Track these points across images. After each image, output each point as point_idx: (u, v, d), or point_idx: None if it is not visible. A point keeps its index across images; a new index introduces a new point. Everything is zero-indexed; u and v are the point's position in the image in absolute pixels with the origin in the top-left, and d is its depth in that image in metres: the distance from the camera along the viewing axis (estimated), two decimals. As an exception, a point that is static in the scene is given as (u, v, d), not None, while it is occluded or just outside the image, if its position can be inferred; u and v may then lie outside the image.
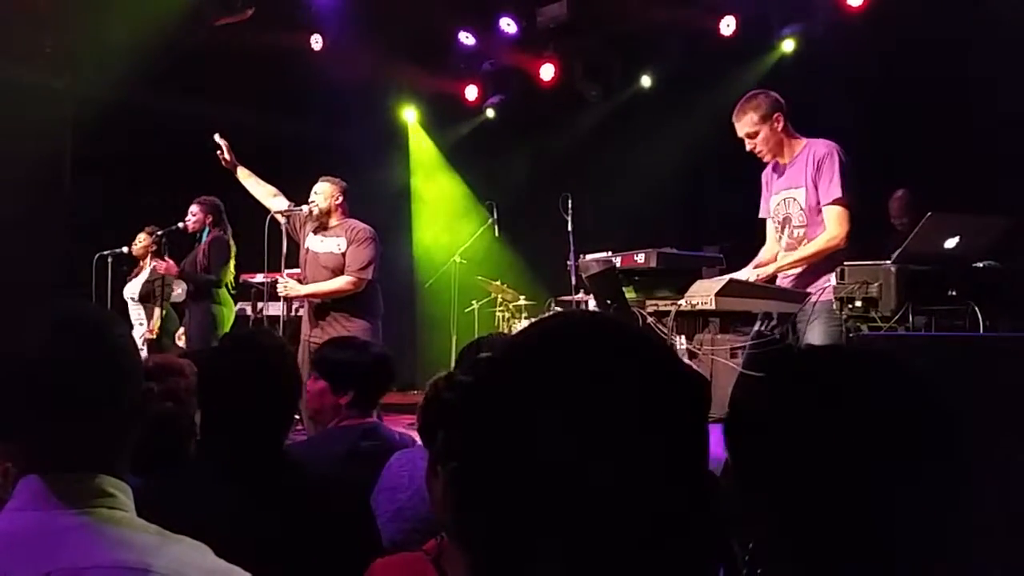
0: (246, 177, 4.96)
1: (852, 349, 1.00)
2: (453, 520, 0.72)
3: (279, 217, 4.79)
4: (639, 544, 0.63)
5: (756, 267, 3.69)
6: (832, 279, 3.06)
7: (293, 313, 5.46)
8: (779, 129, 3.57)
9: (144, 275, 5.93)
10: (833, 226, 3.46)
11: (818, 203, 3.51)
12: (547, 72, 7.94)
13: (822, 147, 3.53)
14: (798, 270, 3.57)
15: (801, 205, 3.58)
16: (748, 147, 3.64)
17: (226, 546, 1.05)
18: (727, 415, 0.92)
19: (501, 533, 0.65)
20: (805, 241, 3.57)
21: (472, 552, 0.68)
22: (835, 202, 3.45)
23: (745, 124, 3.61)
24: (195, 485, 1.58)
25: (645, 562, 0.64)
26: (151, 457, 1.85)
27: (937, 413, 0.86)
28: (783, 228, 3.68)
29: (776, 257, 3.72)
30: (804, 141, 3.61)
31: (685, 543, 0.66)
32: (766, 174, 3.78)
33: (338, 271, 4.59)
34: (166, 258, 5.58)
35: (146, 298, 5.84)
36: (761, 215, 3.83)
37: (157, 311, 5.74)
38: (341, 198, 4.69)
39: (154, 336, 5.60)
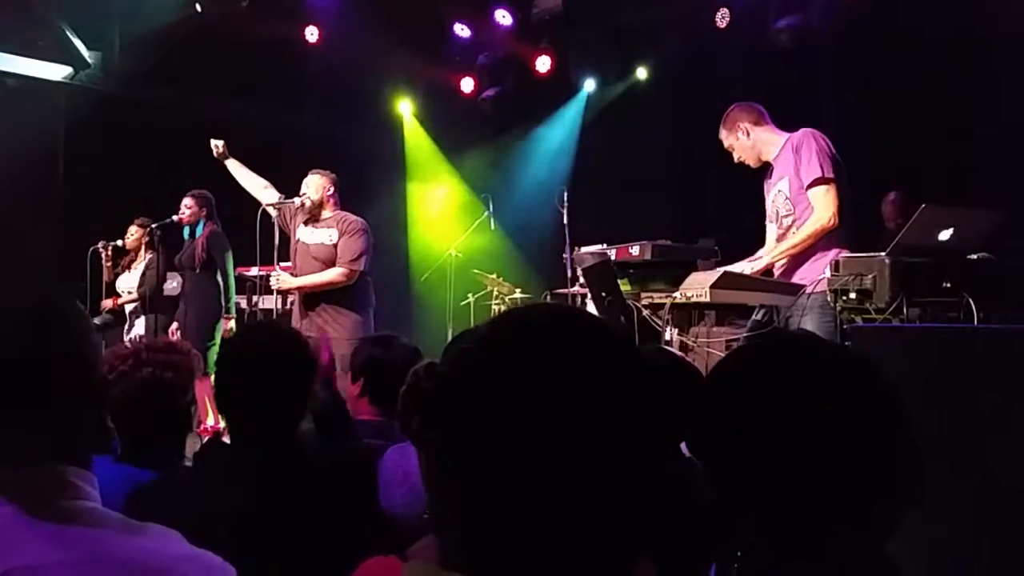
0: (237, 168, 4.94)
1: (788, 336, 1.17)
2: (432, 497, 0.79)
3: (270, 210, 4.77)
4: (600, 523, 0.70)
5: (752, 260, 3.70)
6: (826, 271, 3.06)
7: (288, 306, 5.45)
8: (748, 138, 3.68)
9: (140, 268, 5.91)
10: (820, 207, 3.45)
11: (800, 188, 3.51)
12: (543, 64, 7.92)
13: (798, 135, 3.57)
14: (795, 254, 3.56)
15: (786, 195, 3.59)
16: (736, 159, 3.79)
17: (240, 538, 1.04)
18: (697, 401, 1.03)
19: (476, 509, 0.71)
20: (794, 230, 3.57)
21: (450, 528, 0.73)
22: (817, 182, 3.45)
23: (723, 139, 3.78)
24: (204, 483, 1.57)
25: (606, 543, 0.71)
26: (151, 431, 1.86)
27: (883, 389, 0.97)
28: (775, 220, 3.70)
29: None
30: (785, 135, 3.65)
31: (623, 528, 0.71)
32: (764, 181, 3.81)
33: (329, 262, 4.57)
34: (178, 259, 5.56)
35: (143, 292, 5.81)
36: (767, 220, 3.86)
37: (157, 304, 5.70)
38: (332, 189, 4.68)
39: (173, 333, 5.53)
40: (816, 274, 3.35)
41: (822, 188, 3.44)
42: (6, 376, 0.99)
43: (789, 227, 3.60)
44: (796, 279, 3.49)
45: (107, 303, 5.88)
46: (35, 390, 1.00)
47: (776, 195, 3.67)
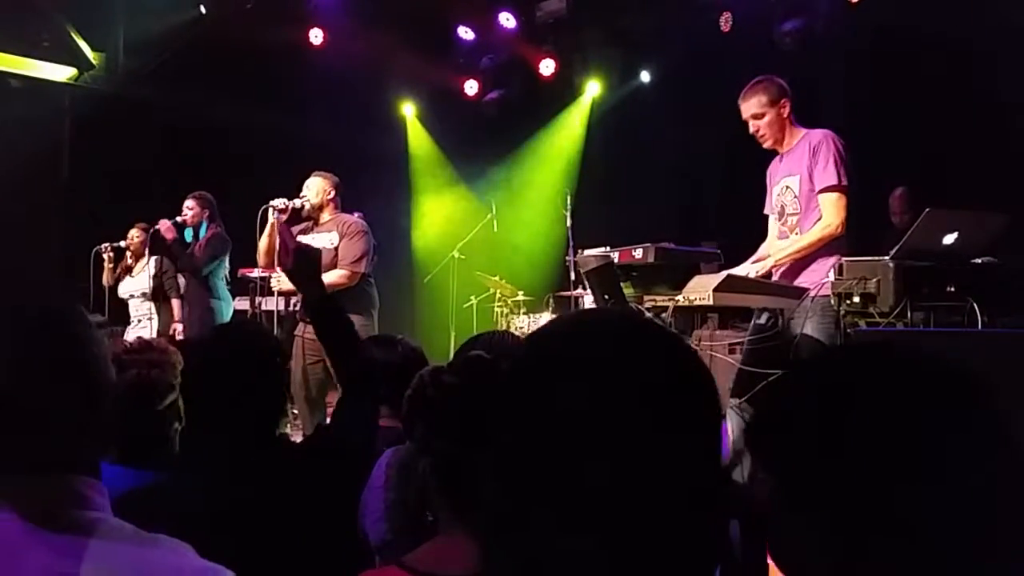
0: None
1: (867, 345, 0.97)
2: (481, 505, 0.76)
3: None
4: (656, 527, 0.67)
5: (755, 262, 3.68)
6: (830, 275, 3.05)
7: (291, 308, 5.45)
8: (784, 115, 3.56)
9: (148, 271, 5.89)
10: (829, 214, 3.42)
11: (811, 190, 3.48)
12: (547, 67, 7.92)
13: (818, 135, 3.51)
14: (799, 258, 3.54)
15: (795, 192, 3.55)
16: (752, 128, 3.62)
17: (218, 539, 1.03)
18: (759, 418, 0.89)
19: (544, 522, 0.68)
20: (797, 230, 3.55)
21: (492, 536, 0.71)
22: (830, 188, 3.41)
23: (752, 105, 3.59)
24: (186, 480, 1.57)
25: (662, 545, 0.68)
26: (142, 431, 1.85)
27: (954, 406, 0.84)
28: (780, 217, 3.66)
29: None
30: (803, 131, 3.60)
31: (698, 533, 0.69)
32: (770, 168, 3.76)
33: (331, 266, 4.57)
34: (161, 221, 5.51)
35: (155, 294, 5.79)
36: (765, 211, 3.80)
37: (175, 303, 5.71)
38: (333, 193, 4.66)
39: (176, 332, 5.54)
40: (818, 278, 3.34)
41: (834, 195, 3.41)
42: (8, 382, 0.96)
43: (794, 227, 3.58)
44: (797, 283, 3.48)
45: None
46: (39, 396, 0.97)
47: (784, 190, 3.62)
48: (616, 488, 0.66)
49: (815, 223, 3.46)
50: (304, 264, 2.03)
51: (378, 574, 0.86)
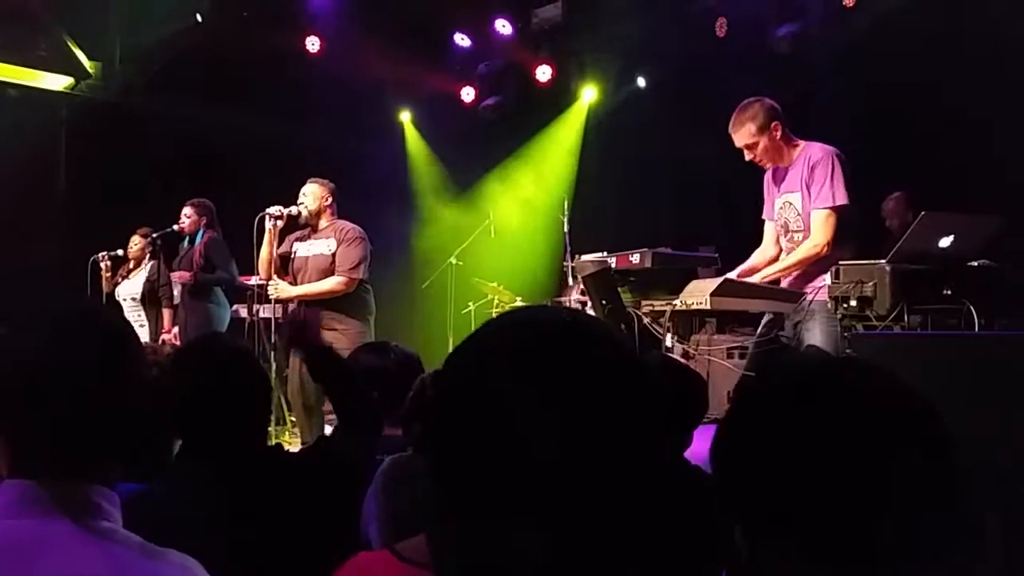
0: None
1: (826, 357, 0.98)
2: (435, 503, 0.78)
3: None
4: (610, 520, 0.70)
5: (740, 275, 3.62)
6: (827, 278, 3.05)
7: (289, 315, 5.45)
8: (778, 137, 3.50)
9: (142, 275, 5.91)
10: (817, 232, 3.39)
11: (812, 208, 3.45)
12: (543, 73, 7.94)
13: (818, 151, 3.46)
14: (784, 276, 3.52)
15: (798, 210, 3.52)
16: (748, 157, 3.57)
17: (212, 550, 1.03)
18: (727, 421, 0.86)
19: (481, 508, 0.71)
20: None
21: (455, 525, 0.73)
22: (823, 207, 3.38)
23: (743, 136, 3.52)
24: (178, 493, 1.57)
25: (615, 541, 0.71)
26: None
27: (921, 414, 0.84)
28: (785, 232, 3.63)
29: (767, 260, 3.68)
30: (802, 144, 3.55)
31: (648, 525, 0.72)
32: (767, 178, 3.71)
33: (329, 272, 4.57)
34: (176, 265, 5.58)
35: (148, 299, 5.81)
36: (764, 216, 3.75)
37: (167, 312, 5.72)
38: (330, 199, 4.66)
39: (174, 337, 5.54)
40: (814, 285, 3.33)
41: (824, 213, 3.37)
42: (49, 387, 0.95)
43: (798, 243, 3.52)
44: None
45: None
46: (78, 405, 0.97)
47: (785, 206, 3.58)
48: (554, 479, 0.68)
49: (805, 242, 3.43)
50: (297, 332, 2.05)
51: (372, 556, 0.88)
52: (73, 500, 0.95)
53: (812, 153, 3.47)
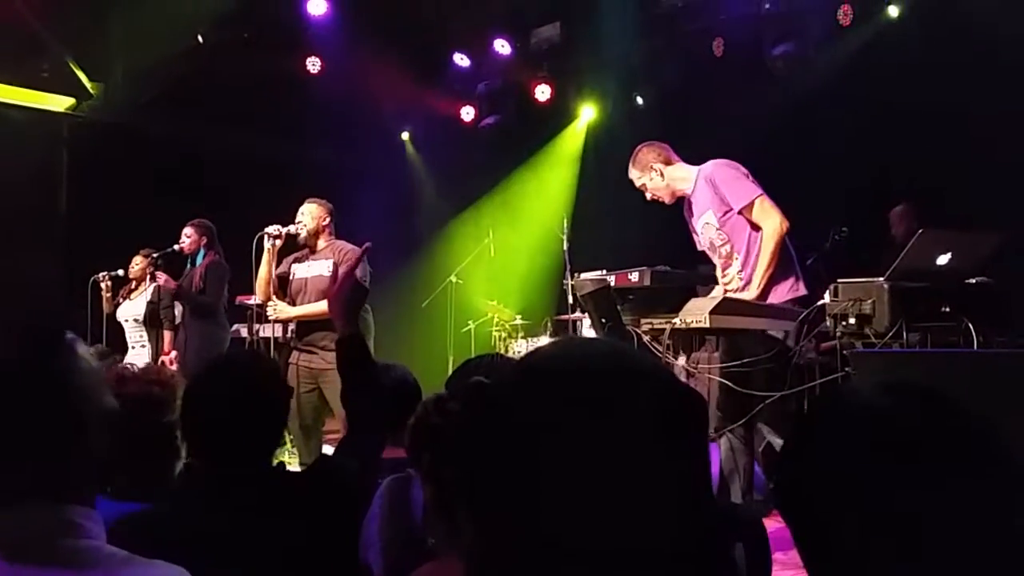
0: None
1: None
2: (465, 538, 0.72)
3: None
4: (647, 564, 0.64)
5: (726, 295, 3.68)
6: (801, 286, 3.16)
7: (288, 335, 5.45)
8: (662, 173, 3.83)
9: (144, 296, 5.90)
10: (768, 218, 3.55)
11: (729, 216, 3.62)
12: (542, 92, 7.99)
13: (708, 168, 3.73)
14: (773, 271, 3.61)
15: (715, 225, 3.71)
16: (648, 198, 3.93)
17: (210, 567, 1.03)
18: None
19: (508, 553, 0.66)
20: (735, 254, 3.67)
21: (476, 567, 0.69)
22: (751, 202, 3.57)
23: (633, 180, 3.95)
24: (185, 512, 1.56)
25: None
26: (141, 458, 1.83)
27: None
28: (712, 250, 3.82)
29: (724, 285, 3.79)
30: (694, 169, 3.82)
31: (695, 563, 0.66)
32: (685, 213, 3.95)
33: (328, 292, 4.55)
34: (159, 274, 5.57)
35: (150, 320, 5.80)
36: (699, 249, 3.96)
37: (167, 334, 5.71)
38: (328, 219, 4.66)
39: (173, 360, 5.52)
40: (780, 298, 3.49)
41: (757, 203, 3.57)
42: (5, 416, 0.97)
43: (729, 254, 3.67)
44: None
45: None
46: (18, 428, 0.97)
47: (705, 227, 3.79)
48: (602, 522, 0.64)
49: (753, 239, 3.59)
50: (351, 298, 2.02)
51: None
52: (50, 526, 0.95)
53: (704, 171, 3.74)
